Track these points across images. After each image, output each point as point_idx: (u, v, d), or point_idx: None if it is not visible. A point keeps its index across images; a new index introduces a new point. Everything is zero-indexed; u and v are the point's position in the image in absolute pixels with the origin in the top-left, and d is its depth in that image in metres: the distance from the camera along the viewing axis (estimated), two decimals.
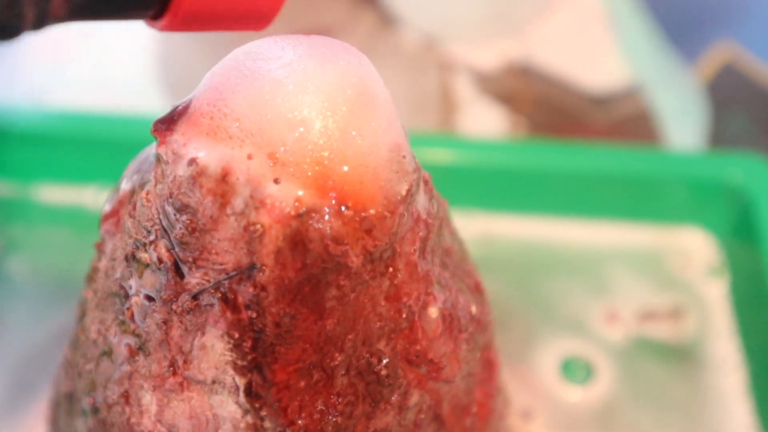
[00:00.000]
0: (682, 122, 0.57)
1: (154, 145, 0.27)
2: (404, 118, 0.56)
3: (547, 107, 0.57)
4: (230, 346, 0.25)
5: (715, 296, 0.47)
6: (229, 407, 0.26)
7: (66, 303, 0.44)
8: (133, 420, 0.28)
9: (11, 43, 0.20)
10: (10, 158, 0.48)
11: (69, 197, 0.49)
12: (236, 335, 0.25)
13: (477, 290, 0.30)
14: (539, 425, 0.42)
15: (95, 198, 0.48)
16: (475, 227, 0.48)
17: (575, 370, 0.43)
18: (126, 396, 0.28)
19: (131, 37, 0.58)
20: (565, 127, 0.56)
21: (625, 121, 0.57)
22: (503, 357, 0.41)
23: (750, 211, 0.47)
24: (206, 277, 0.25)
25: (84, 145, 0.48)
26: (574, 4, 0.63)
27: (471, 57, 0.59)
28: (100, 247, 0.29)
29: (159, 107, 0.55)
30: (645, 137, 0.56)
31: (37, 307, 0.44)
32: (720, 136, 0.57)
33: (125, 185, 0.28)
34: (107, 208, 0.29)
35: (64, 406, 0.32)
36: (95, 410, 0.29)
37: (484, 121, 0.56)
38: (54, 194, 0.49)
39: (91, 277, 0.30)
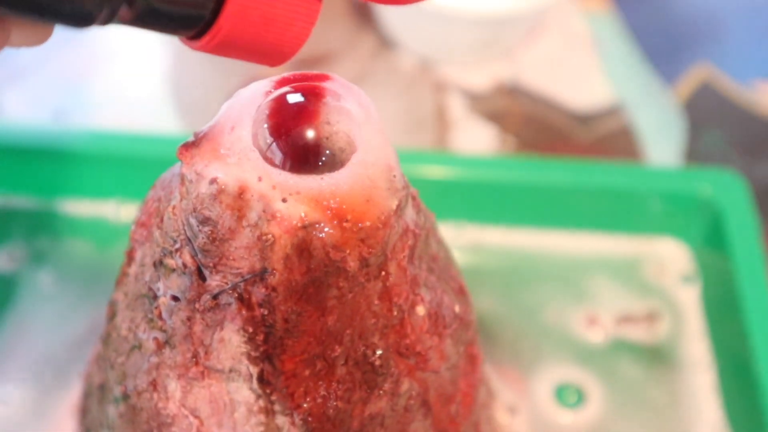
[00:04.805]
0: (661, 139, 0.58)
1: (177, 165, 0.30)
2: (401, 134, 0.58)
3: (534, 125, 0.59)
4: (245, 339, 0.28)
5: (687, 301, 0.49)
6: (243, 393, 0.29)
7: (87, 308, 0.46)
8: (160, 405, 0.30)
9: (80, 31, 0.22)
10: (35, 174, 0.50)
11: (90, 210, 0.50)
12: (250, 330, 0.28)
13: (461, 292, 0.32)
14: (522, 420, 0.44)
15: (115, 211, 0.50)
16: (465, 238, 0.50)
17: (568, 395, 0.45)
18: (154, 384, 0.30)
19: (148, 62, 0.60)
20: (551, 144, 0.57)
21: (607, 138, 0.58)
22: (491, 359, 0.44)
23: (721, 223, 0.48)
24: (225, 280, 0.27)
25: (104, 161, 0.49)
26: (560, 29, 0.64)
27: (463, 78, 0.61)
28: (129, 254, 0.32)
29: (173, 126, 0.57)
30: (626, 153, 0.57)
31: (60, 312, 0.46)
32: (696, 152, 0.58)
33: (153, 200, 0.30)
34: (137, 219, 0.31)
35: (96, 395, 0.34)
36: (126, 397, 0.31)
37: (476, 138, 0.57)
38: (76, 208, 0.50)
39: (120, 281, 0.32)
